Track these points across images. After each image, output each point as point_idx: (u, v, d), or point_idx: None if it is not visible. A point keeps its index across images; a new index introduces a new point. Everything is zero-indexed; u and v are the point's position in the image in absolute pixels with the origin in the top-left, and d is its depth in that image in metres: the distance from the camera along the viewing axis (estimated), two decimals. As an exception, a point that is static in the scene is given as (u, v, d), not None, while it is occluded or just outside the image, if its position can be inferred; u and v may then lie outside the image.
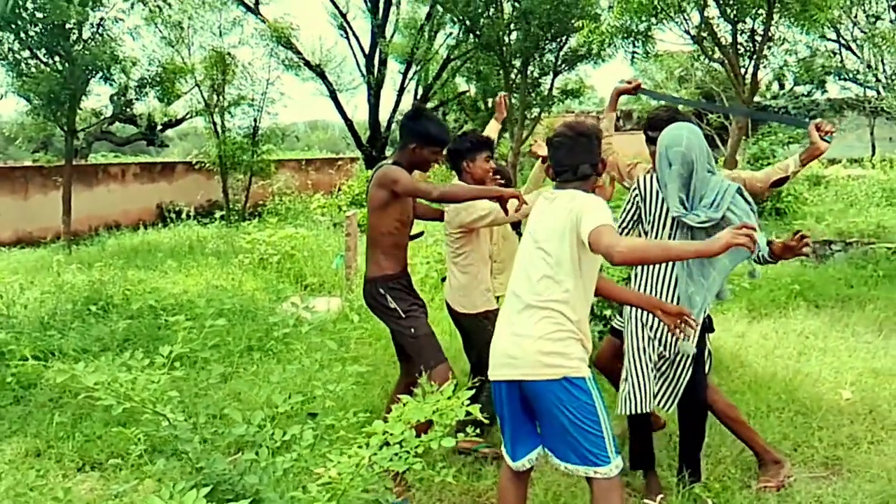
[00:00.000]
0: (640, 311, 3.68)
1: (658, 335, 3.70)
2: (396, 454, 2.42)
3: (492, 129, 4.88)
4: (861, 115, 25.02)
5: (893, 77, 22.20)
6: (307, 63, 18.41)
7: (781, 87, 29.98)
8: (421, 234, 4.53)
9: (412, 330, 3.82)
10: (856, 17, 22.47)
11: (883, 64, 21.65)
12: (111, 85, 15.00)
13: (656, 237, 3.69)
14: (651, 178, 3.76)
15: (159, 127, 25.18)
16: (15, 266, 11.66)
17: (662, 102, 4.88)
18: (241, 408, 2.83)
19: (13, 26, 13.06)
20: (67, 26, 13.67)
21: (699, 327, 3.60)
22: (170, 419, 2.65)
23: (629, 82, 4.40)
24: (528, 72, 16.76)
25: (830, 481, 4.16)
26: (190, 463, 2.77)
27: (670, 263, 3.60)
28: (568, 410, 2.88)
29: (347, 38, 19.90)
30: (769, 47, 11.49)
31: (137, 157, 30.12)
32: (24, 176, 16.34)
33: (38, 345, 6.59)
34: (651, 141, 3.91)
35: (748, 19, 10.54)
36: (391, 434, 2.16)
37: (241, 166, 17.01)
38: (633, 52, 11.36)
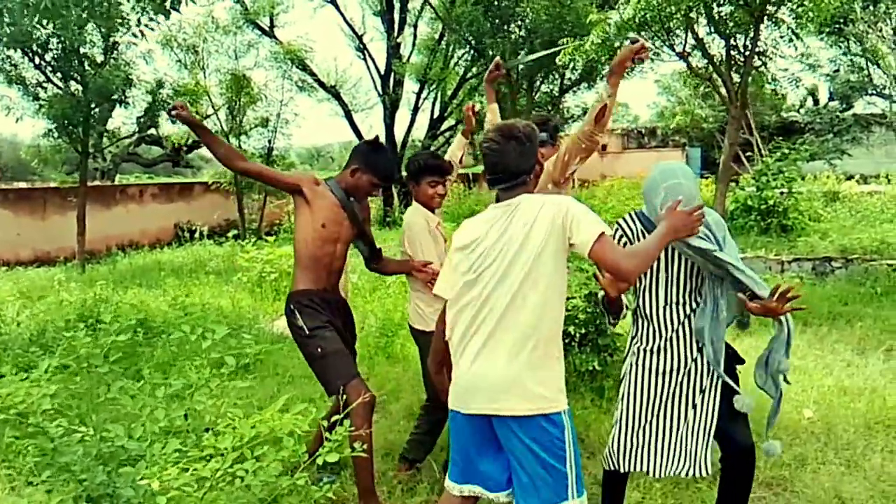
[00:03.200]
0: (658, 352, 3.27)
1: (687, 382, 3.24)
2: (250, 469, 2.45)
3: (457, 145, 4.76)
4: (889, 130, 24.59)
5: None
6: (322, 84, 18.63)
7: (816, 102, 29.73)
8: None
9: (318, 349, 3.69)
10: (881, 31, 22.14)
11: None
12: (125, 107, 15.31)
13: (658, 276, 3.26)
14: (634, 218, 3.34)
15: (184, 149, 25.71)
16: (27, 284, 11.89)
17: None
18: (126, 422, 2.88)
19: (29, 51, 13.44)
20: (82, 51, 14.04)
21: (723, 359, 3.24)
22: (46, 430, 2.70)
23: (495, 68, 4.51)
24: (535, 91, 16.77)
25: (768, 502, 4.10)
26: (73, 476, 2.82)
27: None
28: (538, 449, 2.73)
29: (364, 59, 20.10)
30: (764, 63, 11.43)
31: (171, 178, 30.65)
32: (43, 197, 16.70)
33: (20, 361, 6.72)
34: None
35: (739, 35, 10.50)
36: (225, 448, 2.18)
37: (256, 186, 17.21)
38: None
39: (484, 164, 2.95)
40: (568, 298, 5.53)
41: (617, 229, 3.32)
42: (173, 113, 3.86)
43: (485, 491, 2.91)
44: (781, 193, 12.69)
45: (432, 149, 22.48)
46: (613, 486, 3.51)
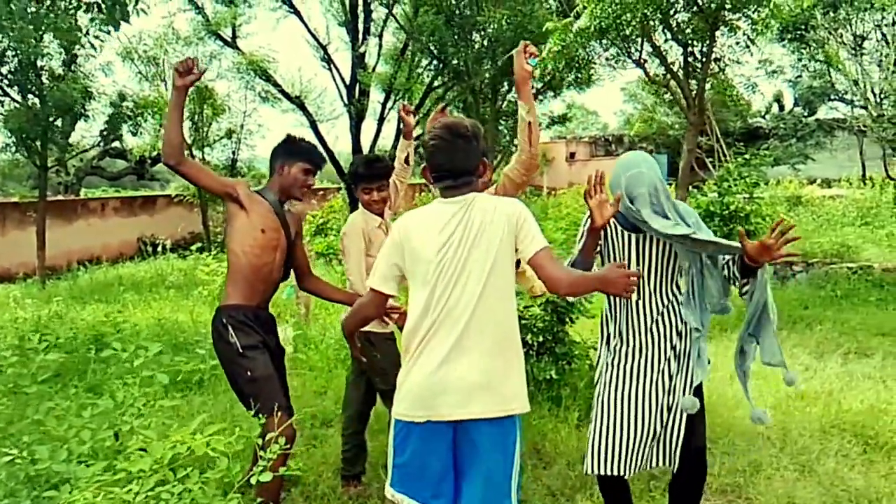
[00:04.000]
0: (632, 352, 3.23)
1: (661, 382, 3.18)
2: (175, 492, 2.37)
3: (401, 148, 4.63)
4: (851, 134, 24.90)
5: (882, 97, 22.12)
6: (286, 94, 18.48)
7: (781, 108, 30.10)
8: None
9: (248, 372, 3.51)
10: (841, 37, 22.42)
11: (868, 83, 21.52)
12: (85, 120, 15.12)
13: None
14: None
15: (149, 161, 25.42)
16: (-19, 302, 11.64)
17: None
18: (53, 444, 2.78)
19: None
20: (39, 63, 13.84)
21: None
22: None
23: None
24: (501, 100, 16.76)
25: (722, 509, 4.08)
26: (-8, 501, 2.72)
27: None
28: (499, 452, 2.67)
29: (330, 69, 19.96)
30: (721, 69, 11.49)
31: (138, 191, 30.30)
32: (2, 212, 16.42)
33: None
34: None
35: (697, 42, 10.55)
36: (141, 471, 2.10)
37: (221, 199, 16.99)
38: (577, 77, 11.42)
39: (427, 162, 2.83)
40: (527, 307, 5.52)
41: (587, 220, 3.25)
42: (179, 67, 3.46)
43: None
44: (745, 198, 12.73)
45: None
46: (613, 492, 3.37)
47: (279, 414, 3.35)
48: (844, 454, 4.60)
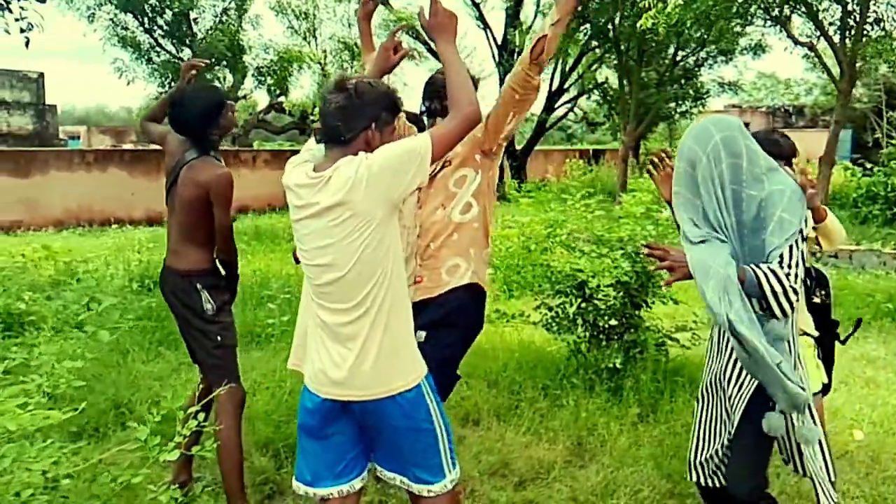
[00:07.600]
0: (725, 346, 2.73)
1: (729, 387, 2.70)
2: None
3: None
4: None
5: None
6: (434, 53, 18.29)
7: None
8: None
9: (219, 338, 3.34)
10: None
11: None
12: (233, 73, 15.54)
13: None
14: None
15: (311, 116, 26.11)
16: (120, 243, 12.15)
17: None
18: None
19: (139, 16, 13.81)
20: (192, 16, 14.32)
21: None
22: None
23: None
24: (661, 65, 15.75)
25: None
26: None
27: None
28: (402, 428, 2.51)
29: (484, 28, 19.64)
30: (888, 32, 9.94)
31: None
32: (157, 158, 17.20)
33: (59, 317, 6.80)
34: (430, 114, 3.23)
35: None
36: None
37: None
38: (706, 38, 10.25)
39: None
40: (599, 286, 4.96)
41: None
42: None
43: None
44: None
45: (547, 124, 21.80)
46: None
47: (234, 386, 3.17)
48: (936, 492, 3.83)
